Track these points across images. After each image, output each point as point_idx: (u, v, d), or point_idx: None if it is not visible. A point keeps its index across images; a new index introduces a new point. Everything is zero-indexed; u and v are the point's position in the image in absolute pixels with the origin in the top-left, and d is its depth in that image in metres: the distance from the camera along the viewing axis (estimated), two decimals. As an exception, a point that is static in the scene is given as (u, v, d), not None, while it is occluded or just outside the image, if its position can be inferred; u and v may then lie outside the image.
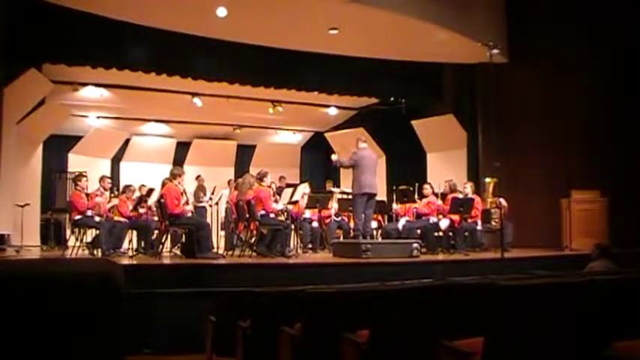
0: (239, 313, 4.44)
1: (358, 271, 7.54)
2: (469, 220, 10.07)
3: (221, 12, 8.98)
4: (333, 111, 14.70)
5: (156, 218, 9.51)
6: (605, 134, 10.29)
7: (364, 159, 9.00)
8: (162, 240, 9.13)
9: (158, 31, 9.81)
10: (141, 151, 15.21)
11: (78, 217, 9.11)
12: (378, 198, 9.66)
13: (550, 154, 11.16)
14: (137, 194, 10.28)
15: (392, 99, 13.72)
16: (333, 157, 9.70)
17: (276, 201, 9.36)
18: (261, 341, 3.93)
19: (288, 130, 16.57)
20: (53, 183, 13.86)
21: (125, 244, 9.66)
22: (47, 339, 1.11)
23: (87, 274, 1.18)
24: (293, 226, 10.21)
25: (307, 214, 10.95)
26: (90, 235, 9.61)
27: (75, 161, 13.74)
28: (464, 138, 12.87)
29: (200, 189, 12.37)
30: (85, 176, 9.62)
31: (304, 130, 16.83)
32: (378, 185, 9.52)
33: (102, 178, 10.07)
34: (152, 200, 9.31)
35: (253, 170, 12.31)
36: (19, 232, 10.55)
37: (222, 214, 11.84)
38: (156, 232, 9.71)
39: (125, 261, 8.04)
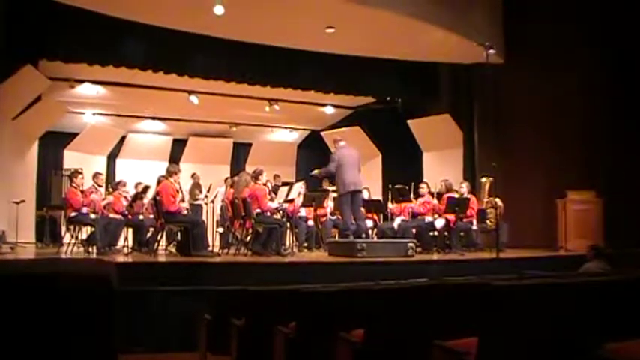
0: (234, 311, 4.44)
1: (353, 270, 7.53)
2: (464, 220, 10.08)
3: (218, 10, 8.96)
4: (329, 110, 14.68)
5: (151, 216, 9.51)
6: (601, 135, 10.31)
7: (345, 157, 9.04)
8: (158, 237, 9.14)
9: (155, 29, 9.78)
10: (137, 148, 15.18)
11: (73, 214, 9.12)
12: (374, 197, 9.67)
13: (546, 155, 11.16)
14: (133, 192, 10.27)
15: (388, 98, 13.72)
16: (314, 172, 9.69)
17: (271, 199, 9.36)
18: (256, 340, 3.93)
19: (284, 128, 16.56)
20: (49, 180, 13.83)
21: (120, 242, 9.65)
22: (42, 338, 1.11)
23: (81, 275, 1.18)
24: (288, 225, 10.21)
25: (303, 212, 10.94)
26: (85, 232, 9.61)
27: (71, 158, 13.72)
28: (460, 138, 12.87)
29: (196, 187, 12.38)
30: (81, 173, 9.62)
31: (300, 129, 16.80)
32: (374, 184, 9.54)
33: (95, 175, 10.04)
34: (148, 198, 9.30)
35: (249, 168, 12.28)
36: (14, 228, 10.53)
37: (217, 211, 11.83)
38: (151, 229, 9.74)
39: (120, 258, 8.04)
